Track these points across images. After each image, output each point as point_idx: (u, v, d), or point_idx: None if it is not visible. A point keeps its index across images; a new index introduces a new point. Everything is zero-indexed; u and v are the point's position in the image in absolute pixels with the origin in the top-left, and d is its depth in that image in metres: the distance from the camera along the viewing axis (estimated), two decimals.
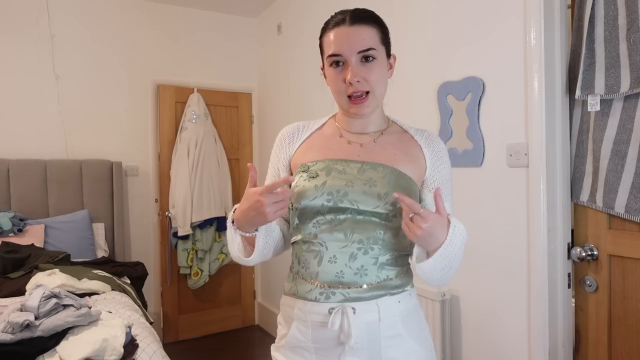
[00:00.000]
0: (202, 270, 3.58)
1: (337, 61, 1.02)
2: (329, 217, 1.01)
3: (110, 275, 2.43)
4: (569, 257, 1.64)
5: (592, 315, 1.59)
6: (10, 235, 2.68)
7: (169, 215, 3.53)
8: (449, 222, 0.94)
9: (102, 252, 3.04)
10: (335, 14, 1.05)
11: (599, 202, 1.53)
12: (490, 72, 1.79)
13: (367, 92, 1.02)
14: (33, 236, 2.74)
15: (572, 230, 1.66)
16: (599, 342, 1.57)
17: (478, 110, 1.84)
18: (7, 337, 1.41)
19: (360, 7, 1.07)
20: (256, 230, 1.00)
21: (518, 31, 1.68)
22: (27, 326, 1.45)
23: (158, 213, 3.61)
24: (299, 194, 1.02)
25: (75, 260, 2.69)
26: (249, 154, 3.99)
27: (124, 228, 3.37)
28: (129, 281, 2.63)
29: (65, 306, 1.57)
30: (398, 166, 1.04)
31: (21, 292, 2.16)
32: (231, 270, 3.85)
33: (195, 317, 3.71)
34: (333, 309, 0.98)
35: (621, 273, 1.50)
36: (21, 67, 3.13)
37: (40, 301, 1.51)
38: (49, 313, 1.51)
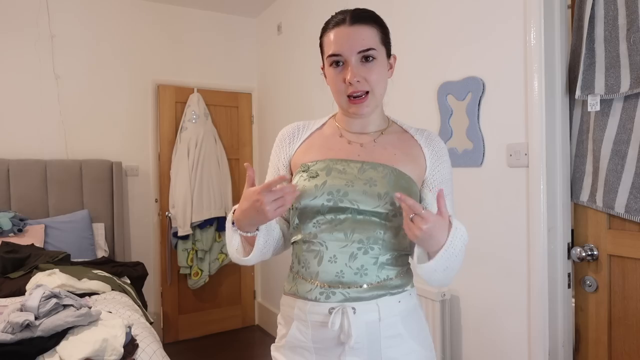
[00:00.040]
0: (202, 270, 3.58)
1: (337, 61, 1.02)
2: (329, 216, 1.01)
3: (110, 275, 2.43)
4: (569, 257, 1.64)
5: (592, 315, 1.59)
6: (10, 235, 2.68)
7: (169, 215, 3.53)
8: (450, 223, 0.94)
9: (102, 252, 3.04)
10: (336, 14, 1.05)
11: (599, 202, 1.53)
12: (490, 72, 1.80)
13: (367, 92, 1.02)
14: (33, 236, 2.74)
15: (572, 230, 1.66)
16: (599, 342, 1.57)
17: (478, 110, 1.84)
18: (7, 337, 1.41)
19: (361, 7, 1.07)
20: (257, 229, 1.00)
21: (518, 31, 1.68)
22: (27, 326, 1.45)
23: (158, 213, 3.61)
24: (299, 194, 1.02)
25: (75, 260, 2.69)
26: (249, 154, 3.99)
27: (124, 228, 3.37)
28: (129, 281, 2.63)
29: (65, 306, 1.57)
30: (398, 166, 1.04)
31: (21, 292, 2.16)
32: (231, 270, 3.85)
33: (195, 317, 3.70)
34: (333, 308, 0.98)
35: (621, 273, 1.50)
36: (21, 67, 3.13)
37: (40, 301, 1.51)
38: (49, 313, 1.51)
